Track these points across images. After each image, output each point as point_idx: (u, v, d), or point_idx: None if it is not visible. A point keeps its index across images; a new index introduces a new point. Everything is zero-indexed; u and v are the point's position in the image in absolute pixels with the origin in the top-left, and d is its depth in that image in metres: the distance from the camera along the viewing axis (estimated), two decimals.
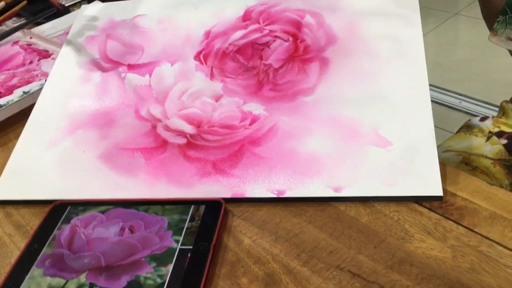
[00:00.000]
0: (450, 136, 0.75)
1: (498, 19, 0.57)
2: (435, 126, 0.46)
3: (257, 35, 0.59)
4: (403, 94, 0.49)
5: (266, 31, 0.59)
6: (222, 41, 0.59)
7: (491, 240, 0.39)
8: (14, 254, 0.44)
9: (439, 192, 0.42)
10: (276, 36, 0.58)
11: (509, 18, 0.56)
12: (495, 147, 0.67)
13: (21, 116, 0.60)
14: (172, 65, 0.58)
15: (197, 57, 0.59)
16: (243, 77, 0.55)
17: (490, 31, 0.61)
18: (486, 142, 0.68)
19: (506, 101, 0.74)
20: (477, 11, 0.65)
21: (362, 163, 0.44)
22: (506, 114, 0.71)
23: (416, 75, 0.50)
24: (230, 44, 0.59)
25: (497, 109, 0.79)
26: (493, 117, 0.72)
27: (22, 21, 0.84)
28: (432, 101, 0.48)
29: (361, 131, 0.47)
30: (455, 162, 0.65)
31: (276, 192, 0.44)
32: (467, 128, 0.72)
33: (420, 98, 0.48)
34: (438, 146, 0.70)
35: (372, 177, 0.43)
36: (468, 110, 1.49)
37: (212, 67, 0.57)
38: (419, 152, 0.44)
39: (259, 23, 0.60)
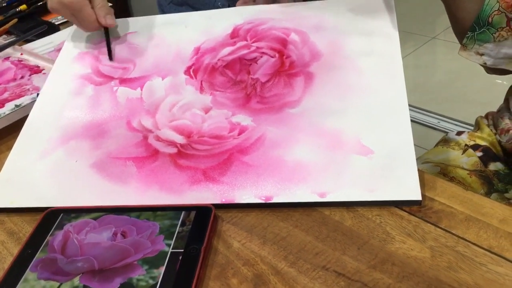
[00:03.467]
0: None
1: (467, 35, 0.60)
2: (415, 145, 0.48)
3: (244, 51, 0.62)
4: (383, 106, 0.52)
5: (253, 48, 0.62)
6: (211, 57, 0.62)
7: (467, 240, 0.41)
8: (8, 260, 0.45)
9: (418, 197, 0.44)
10: (263, 53, 0.61)
11: (478, 34, 0.60)
12: (471, 159, 0.70)
13: (13, 129, 0.61)
14: (163, 79, 0.61)
15: (187, 71, 0.61)
16: (232, 90, 0.57)
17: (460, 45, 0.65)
18: (462, 154, 0.71)
19: (481, 117, 0.78)
20: (453, 35, 0.69)
21: (345, 170, 0.47)
22: (481, 129, 0.75)
23: (395, 88, 0.53)
24: (219, 60, 0.61)
25: (472, 128, 0.82)
26: (468, 131, 0.76)
27: (13, 38, 0.85)
28: (411, 120, 0.50)
29: (344, 140, 0.49)
30: (433, 173, 0.68)
31: (263, 198, 0.46)
32: (444, 142, 0.75)
33: (399, 110, 0.51)
34: (417, 159, 0.73)
35: (355, 183, 0.46)
36: (446, 129, 1.54)
37: (201, 81, 0.59)
38: (399, 159, 0.47)
39: (247, 40, 0.63)
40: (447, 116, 1.59)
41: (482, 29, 0.59)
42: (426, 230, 0.42)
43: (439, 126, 1.56)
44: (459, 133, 0.75)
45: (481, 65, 0.66)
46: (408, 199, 0.44)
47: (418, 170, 0.46)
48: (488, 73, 0.69)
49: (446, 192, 0.46)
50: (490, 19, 0.58)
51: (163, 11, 1.00)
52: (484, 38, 0.60)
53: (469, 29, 0.60)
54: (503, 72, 0.65)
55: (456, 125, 1.53)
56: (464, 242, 0.41)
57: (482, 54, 0.62)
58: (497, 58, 0.62)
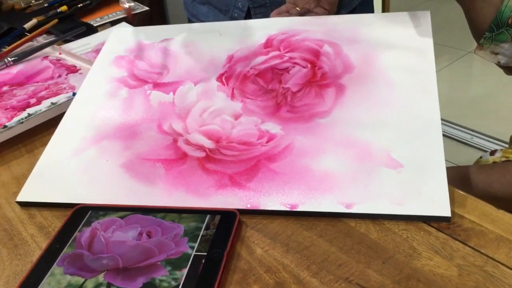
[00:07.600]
0: None
1: (485, 36, 0.62)
2: (447, 161, 0.48)
3: (277, 61, 0.62)
4: (415, 120, 0.51)
5: (286, 58, 0.62)
6: (244, 65, 0.63)
7: (496, 261, 0.40)
8: (36, 253, 0.46)
9: (448, 213, 0.43)
10: (295, 63, 0.61)
11: (496, 35, 0.62)
12: None
13: (48, 126, 0.63)
14: (195, 85, 0.61)
15: (219, 78, 0.62)
16: (262, 98, 0.58)
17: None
18: None
19: None
20: None
21: (373, 182, 0.46)
22: None
23: (428, 103, 0.52)
24: (251, 68, 0.62)
25: (507, 145, 0.80)
26: (502, 149, 0.74)
27: (52, 38, 0.88)
28: (444, 135, 0.50)
29: (373, 152, 0.49)
30: None
31: (289, 206, 0.46)
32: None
33: (431, 125, 0.50)
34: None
35: (382, 196, 0.45)
36: (480, 145, 1.50)
37: (233, 88, 0.60)
38: (429, 174, 0.46)
39: (280, 50, 0.64)
40: (481, 132, 1.55)
41: (501, 30, 0.61)
42: (454, 248, 0.41)
43: (472, 142, 1.52)
44: (493, 153, 0.74)
45: (496, 64, 0.66)
46: (437, 215, 0.43)
47: (448, 186, 0.45)
48: (507, 74, 0.70)
49: (476, 210, 0.45)
50: (509, 21, 0.60)
51: (187, 9, 1.03)
52: (502, 38, 0.62)
53: (487, 29, 0.61)
54: None
55: (489, 141, 1.49)
56: (493, 262, 0.40)
57: (497, 53, 0.64)
58: (511, 57, 0.63)
